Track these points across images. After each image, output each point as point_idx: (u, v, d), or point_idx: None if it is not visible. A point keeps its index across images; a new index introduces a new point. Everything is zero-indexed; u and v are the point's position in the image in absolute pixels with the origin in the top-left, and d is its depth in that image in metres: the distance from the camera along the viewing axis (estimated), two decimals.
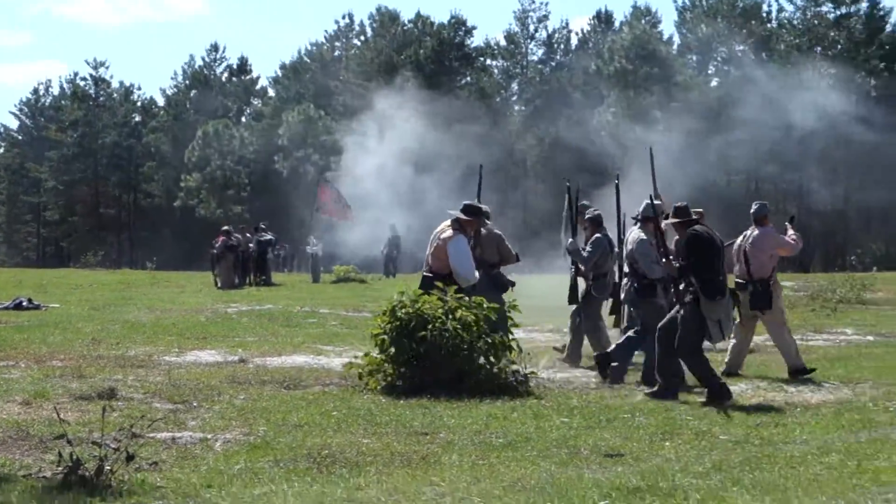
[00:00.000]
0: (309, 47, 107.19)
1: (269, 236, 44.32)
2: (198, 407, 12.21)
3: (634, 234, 15.27)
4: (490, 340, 13.63)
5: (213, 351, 18.08)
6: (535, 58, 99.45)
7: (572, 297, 17.49)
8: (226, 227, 43.41)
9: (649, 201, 15.15)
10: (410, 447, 9.98)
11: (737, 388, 13.98)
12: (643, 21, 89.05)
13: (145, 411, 11.26)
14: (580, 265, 17.02)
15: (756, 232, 16.29)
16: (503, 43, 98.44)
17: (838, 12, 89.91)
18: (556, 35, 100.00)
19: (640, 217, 15.28)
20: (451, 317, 13.48)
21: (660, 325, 13.58)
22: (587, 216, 17.32)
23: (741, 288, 15.94)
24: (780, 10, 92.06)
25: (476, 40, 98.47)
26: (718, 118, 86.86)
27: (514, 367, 13.81)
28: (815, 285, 33.59)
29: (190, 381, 14.10)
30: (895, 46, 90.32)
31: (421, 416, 11.61)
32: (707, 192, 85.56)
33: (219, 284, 38.68)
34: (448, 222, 15.05)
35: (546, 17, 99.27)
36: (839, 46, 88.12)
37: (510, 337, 13.92)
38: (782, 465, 9.04)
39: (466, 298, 13.91)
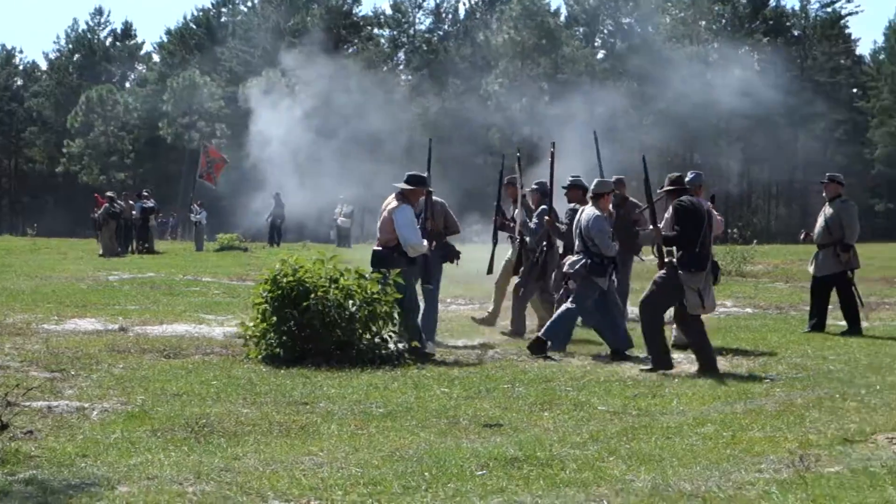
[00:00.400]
0: (196, 13, 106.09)
1: (151, 203, 43.91)
2: (75, 375, 12.06)
3: (588, 210, 15.14)
4: (372, 310, 13.61)
5: (92, 319, 17.83)
6: (422, 27, 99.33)
7: (490, 268, 17.82)
8: (109, 194, 42.89)
9: (601, 178, 15.67)
10: (290, 417, 9.93)
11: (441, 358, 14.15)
12: None
13: (21, 380, 11.06)
14: (527, 237, 17.02)
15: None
16: (390, 12, 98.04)
17: None
18: (445, 4, 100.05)
19: (592, 193, 15.28)
20: (333, 286, 13.45)
21: (641, 301, 13.64)
22: (533, 187, 17.27)
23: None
24: None
25: (364, 9, 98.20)
26: (605, 90, 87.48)
27: (396, 337, 13.81)
28: None
29: (68, 350, 13.91)
30: (778, 21, 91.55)
31: (301, 386, 11.57)
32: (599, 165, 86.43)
33: (101, 252, 38.23)
34: (394, 195, 14.94)
35: None
36: (724, 20, 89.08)
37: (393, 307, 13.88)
38: (659, 436, 9.12)
39: (350, 267, 13.90)
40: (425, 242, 14.81)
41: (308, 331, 13.29)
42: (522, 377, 12.40)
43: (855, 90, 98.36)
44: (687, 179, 15.65)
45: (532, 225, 16.82)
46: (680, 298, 13.24)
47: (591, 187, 15.41)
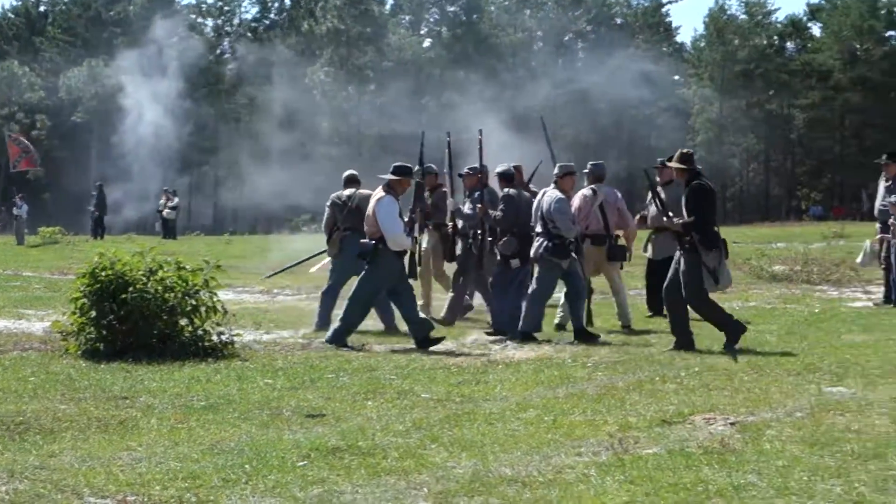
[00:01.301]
0: (14, 3, 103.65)
1: None
2: None
3: (550, 192, 15.29)
4: (194, 302, 13.44)
5: None
6: (248, 16, 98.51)
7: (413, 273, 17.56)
8: None
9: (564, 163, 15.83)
10: (108, 412, 9.74)
11: (442, 347, 14.16)
12: None
13: None
14: (466, 223, 16.91)
15: (605, 189, 16.93)
16: (213, 1, 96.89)
17: None
18: None
19: (556, 176, 15.47)
20: (152, 278, 13.24)
21: (665, 287, 14.11)
22: (468, 172, 17.13)
23: (599, 242, 16.64)
24: None
25: None
26: (430, 78, 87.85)
27: (220, 328, 13.65)
28: None
29: None
30: (600, 10, 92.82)
31: (122, 381, 11.36)
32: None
33: None
34: (381, 186, 14.82)
35: None
36: (548, 7, 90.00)
37: (216, 298, 13.72)
38: (481, 422, 9.14)
39: (170, 260, 13.72)
40: (408, 237, 14.75)
41: (128, 324, 13.06)
42: (347, 367, 12.35)
43: (677, 77, 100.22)
44: (592, 169, 15.95)
45: (468, 210, 16.61)
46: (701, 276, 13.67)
47: (555, 170, 15.61)
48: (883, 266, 19.48)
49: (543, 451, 8.14)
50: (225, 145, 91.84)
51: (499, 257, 15.90)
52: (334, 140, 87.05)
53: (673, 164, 14.43)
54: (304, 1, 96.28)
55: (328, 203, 17.02)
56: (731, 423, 9.00)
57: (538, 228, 15.29)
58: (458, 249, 17.24)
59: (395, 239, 14.39)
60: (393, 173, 14.76)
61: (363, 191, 16.72)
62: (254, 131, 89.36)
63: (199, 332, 13.46)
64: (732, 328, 13.86)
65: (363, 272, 14.73)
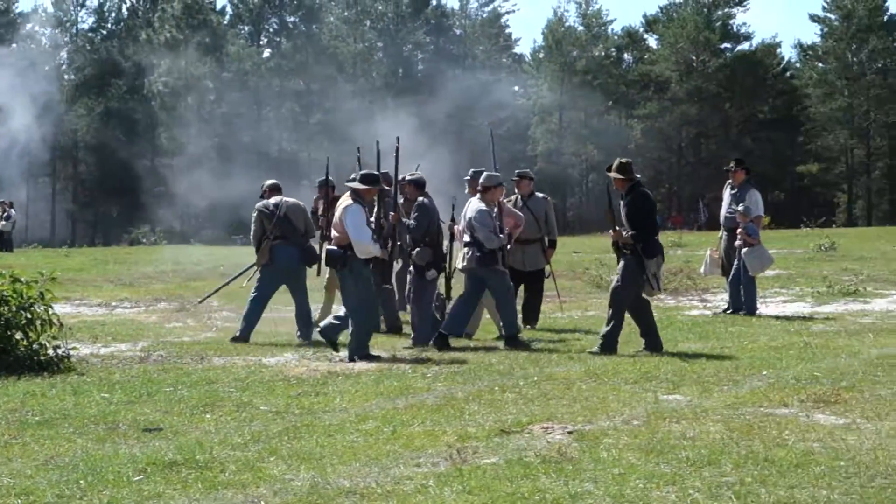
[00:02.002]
0: None
1: None
2: None
3: (474, 203, 15.34)
4: (30, 316, 13.18)
5: None
6: (85, 26, 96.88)
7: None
8: None
9: (491, 172, 16.01)
10: None
11: (282, 358, 14.10)
12: None
13: None
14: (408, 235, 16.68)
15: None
16: (51, 10, 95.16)
17: None
18: (108, 4, 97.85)
19: (482, 187, 15.50)
20: None
21: (613, 290, 14.60)
22: (408, 178, 16.62)
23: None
24: None
25: (23, 5, 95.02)
26: (269, 89, 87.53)
27: (56, 342, 13.41)
28: None
29: None
30: (439, 21, 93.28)
31: None
32: (263, 158, 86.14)
33: None
34: (347, 193, 14.66)
35: None
36: (387, 19, 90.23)
37: (51, 311, 13.47)
38: (320, 434, 9.10)
39: (4, 272, 13.44)
40: (376, 244, 14.56)
41: None
42: (186, 380, 12.20)
43: (516, 88, 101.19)
44: (483, 180, 15.93)
45: (411, 223, 16.24)
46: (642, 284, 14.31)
47: (481, 180, 15.59)
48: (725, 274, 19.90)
49: (382, 462, 8.13)
50: (63, 156, 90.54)
51: (412, 268, 15.93)
52: (174, 152, 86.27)
53: (612, 175, 14.70)
54: (141, 11, 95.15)
55: (254, 213, 16.78)
56: (569, 432, 9.09)
57: (466, 238, 15.45)
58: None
59: (363, 247, 14.29)
60: (360, 181, 14.64)
61: (289, 199, 16.85)
62: (92, 142, 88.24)
63: (35, 345, 13.19)
64: (609, 344, 14.30)
65: (342, 283, 14.60)
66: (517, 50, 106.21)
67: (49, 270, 14.15)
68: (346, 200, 14.59)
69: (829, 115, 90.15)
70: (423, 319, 15.71)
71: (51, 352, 13.25)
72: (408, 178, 16.49)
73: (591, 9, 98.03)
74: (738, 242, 19.16)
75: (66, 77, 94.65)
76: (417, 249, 15.67)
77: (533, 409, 10.13)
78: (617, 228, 14.51)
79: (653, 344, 14.47)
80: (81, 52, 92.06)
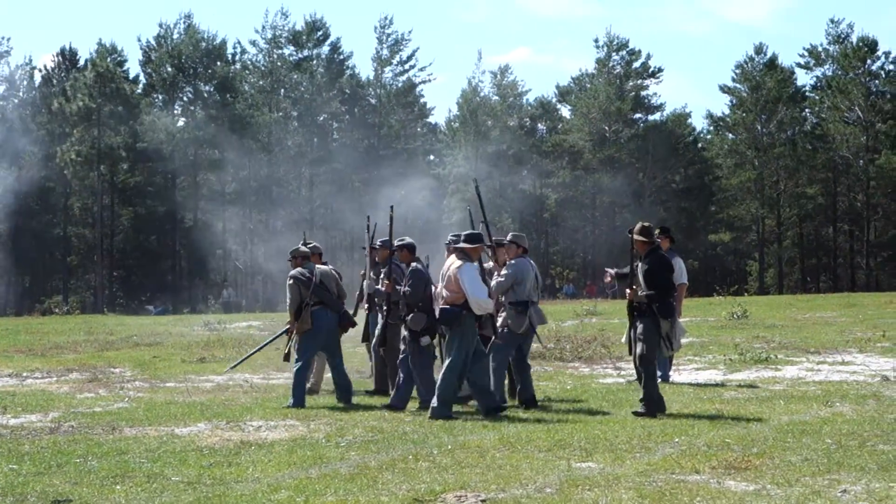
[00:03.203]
0: None
1: None
2: None
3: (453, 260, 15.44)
4: None
5: None
6: None
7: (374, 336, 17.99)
8: None
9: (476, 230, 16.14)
10: None
11: (194, 427, 13.99)
12: (108, 59, 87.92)
13: None
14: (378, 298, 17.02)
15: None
16: None
17: (300, 55, 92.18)
18: (20, 72, 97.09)
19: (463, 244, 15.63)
20: None
21: (640, 356, 15.06)
22: (398, 243, 16.82)
23: None
24: (244, 51, 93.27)
25: None
26: (186, 159, 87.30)
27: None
28: (280, 324, 34.12)
29: None
30: (354, 91, 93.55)
31: None
32: (178, 226, 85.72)
33: None
34: (454, 255, 15.25)
35: (8, 52, 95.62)
36: (302, 88, 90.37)
37: None
38: None
39: None
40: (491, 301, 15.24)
41: None
42: (96, 450, 12.07)
43: (432, 157, 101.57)
44: (406, 243, 16.06)
45: (406, 289, 16.18)
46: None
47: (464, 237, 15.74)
48: None
49: None
50: None
51: (407, 333, 16.03)
52: (88, 221, 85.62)
53: (636, 237, 15.22)
54: (55, 80, 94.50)
55: (290, 281, 17.09)
56: (482, 501, 9.10)
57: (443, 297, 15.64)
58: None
59: (481, 303, 14.96)
60: (466, 241, 15.28)
61: (321, 266, 17.59)
62: (2, 212, 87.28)
63: None
64: (654, 405, 14.79)
65: (449, 342, 15.16)
66: (432, 119, 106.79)
67: None
68: (454, 261, 15.19)
69: (740, 185, 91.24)
70: (424, 384, 15.91)
71: None
72: (397, 243, 16.84)
73: (505, 79, 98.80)
74: None
75: None
76: (412, 315, 15.85)
77: (446, 478, 10.13)
78: (633, 287, 15.04)
79: (658, 406, 14.94)
80: None
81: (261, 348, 19.74)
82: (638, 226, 15.48)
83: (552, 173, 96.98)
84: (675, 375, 19.86)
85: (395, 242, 16.91)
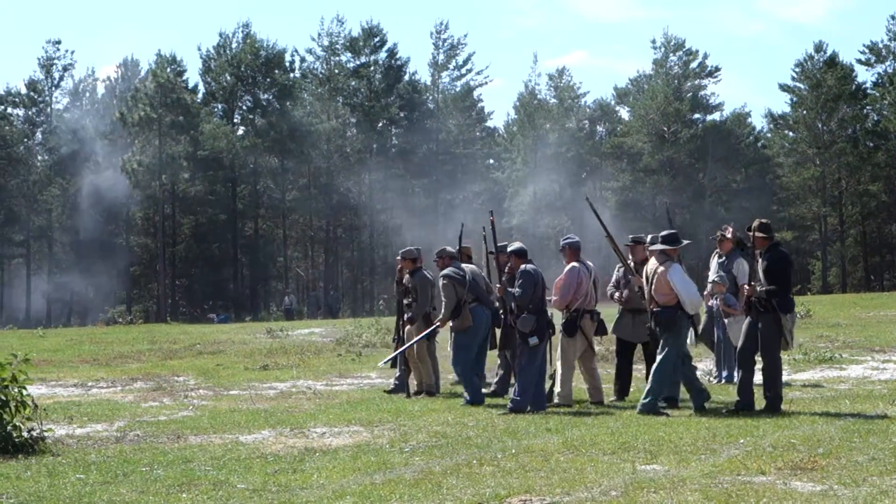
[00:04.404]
0: None
1: None
2: None
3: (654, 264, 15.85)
4: (3, 398, 13.09)
5: None
6: (60, 106, 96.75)
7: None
8: None
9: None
10: None
11: (259, 435, 14.03)
12: (168, 69, 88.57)
13: None
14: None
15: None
16: (24, 91, 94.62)
17: (357, 62, 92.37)
18: (83, 83, 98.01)
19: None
20: None
21: (740, 347, 15.43)
22: (511, 249, 16.95)
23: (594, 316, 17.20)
24: (303, 60, 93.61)
25: None
26: (246, 167, 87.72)
27: (31, 423, 13.32)
28: (342, 330, 34.25)
29: None
30: (411, 97, 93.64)
31: None
32: (238, 236, 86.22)
33: None
34: (654, 257, 15.63)
35: (72, 65, 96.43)
36: (360, 95, 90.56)
37: (25, 392, 13.39)
38: None
39: None
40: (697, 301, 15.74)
41: None
42: (162, 459, 12.13)
43: (491, 161, 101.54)
44: (516, 248, 16.27)
45: (517, 290, 16.40)
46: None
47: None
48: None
49: None
50: (37, 237, 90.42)
51: (517, 335, 16.26)
52: (150, 230, 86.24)
53: (756, 234, 15.29)
54: (118, 90, 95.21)
55: (443, 281, 17.45)
56: None
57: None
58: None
59: (694, 302, 15.44)
60: (666, 242, 15.63)
61: (468, 265, 18.23)
62: (67, 223, 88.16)
63: (9, 427, 13.09)
64: (776, 399, 15.03)
65: (664, 342, 15.45)
66: (490, 123, 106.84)
67: (23, 352, 14.07)
68: (655, 264, 15.54)
69: (802, 184, 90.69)
70: (525, 387, 16.03)
71: (25, 434, 13.14)
72: (510, 248, 16.98)
73: (562, 82, 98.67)
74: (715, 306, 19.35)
75: (39, 158, 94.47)
76: (522, 316, 16.08)
77: (511, 482, 10.11)
78: (752, 284, 15.15)
79: (746, 403, 15.16)
80: (56, 132, 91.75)
81: (411, 344, 19.71)
82: (756, 222, 15.53)
83: (611, 175, 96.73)
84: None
85: (511, 248, 17.02)
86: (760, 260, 15.25)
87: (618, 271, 17.80)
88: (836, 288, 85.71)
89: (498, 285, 17.01)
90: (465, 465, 11.19)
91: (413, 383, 18.93)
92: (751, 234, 15.39)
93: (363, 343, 30.56)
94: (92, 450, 13.11)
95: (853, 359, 22.91)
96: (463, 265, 17.91)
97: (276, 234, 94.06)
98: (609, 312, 17.79)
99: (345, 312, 76.20)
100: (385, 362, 19.70)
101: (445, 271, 17.51)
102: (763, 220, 15.60)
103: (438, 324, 17.93)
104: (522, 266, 16.46)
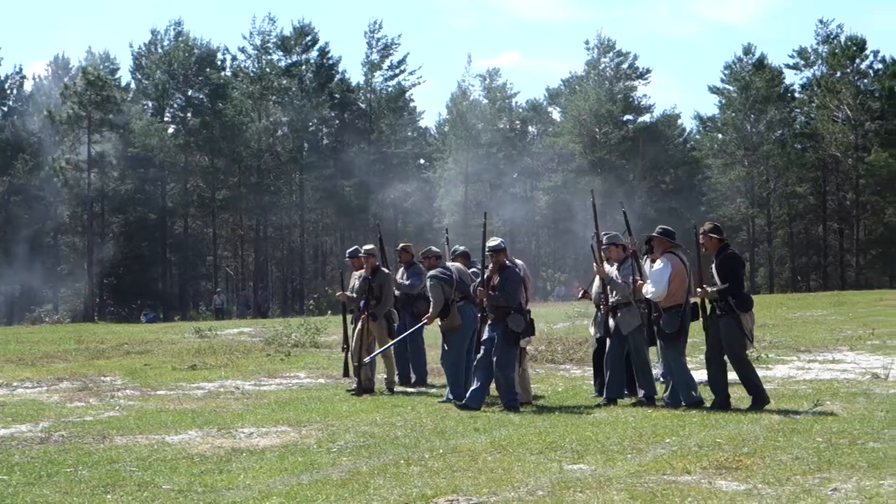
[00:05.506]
0: None
1: None
2: None
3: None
4: None
5: None
6: None
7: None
8: None
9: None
10: None
11: (185, 435, 13.94)
12: (100, 67, 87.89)
13: None
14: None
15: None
16: None
17: (289, 61, 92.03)
18: (9, 81, 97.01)
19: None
20: None
21: (705, 354, 15.75)
22: (492, 246, 16.68)
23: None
24: (234, 58, 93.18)
25: None
26: (177, 166, 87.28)
27: None
28: (272, 330, 34.11)
29: None
30: (344, 96, 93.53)
31: None
32: (168, 234, 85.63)
33: None
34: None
35: None
36: (291, 94, 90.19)
37: None
38: None
39: None
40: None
41: None
42: (87, 460, 12.02)
43: (422, 161, 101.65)
44: (498, 245, 16.20)
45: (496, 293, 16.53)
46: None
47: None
48: None
49: None
50: None
51: (494, 334, 16.29)
52: (78, 229, 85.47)
53: (709, 234, 15.66)
54: (46, 87, 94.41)
55: (430, 281, 17.49)
56: None
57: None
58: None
59: (651, 293, 15.93)
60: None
61: (454, 264, 18.13)
62: None
63: None
64: (760, 397, 15.27)
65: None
66: (422, 123, 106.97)
67: None
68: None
69: (730, 185, 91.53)
70: (508, 384, 16.18)
71: None
72: (491, 245, 16.76)
73: (494, 83, 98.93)
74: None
75: None
76: (511, 316, 16.19)
77: (438, 482, 10.11)
78: (703, 286, 15.39)
79: (722, 403, 15.49)
80: None
81: (396, 342, 19.65)
82: (708, 224, 15.93)
83: (543, 175, 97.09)
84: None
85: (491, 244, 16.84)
86: (714, 261, 15.52)
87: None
88: (763, 288, 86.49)
89: (479, 289, 16.91)
90: (392, 465, 11.19)
91: (377, 379, 19.29)
92: (703, 234, 15.66)
93: (292, 343, 30.44)
94: (16, 450, 12.97)
95: (779, 359, 23.13)
96: (452, 265, 17.99)
97: (205, 233, 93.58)
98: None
99: (274, 312, 75.93)
100: (370, 359, 19.55)
101: (433, 272, 17.60)
102: (716, 223, 15.96)
103: (426, 321, 17.98)
104: (508, 264, 16.57)
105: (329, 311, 43.97)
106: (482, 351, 16.40)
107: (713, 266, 15.44)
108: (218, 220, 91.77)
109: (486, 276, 16.67)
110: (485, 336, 16.44)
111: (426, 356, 21.19)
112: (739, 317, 15.16)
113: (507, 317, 16.15)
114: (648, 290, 15.73)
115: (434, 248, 18.42)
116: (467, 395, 16.36)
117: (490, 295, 16.36)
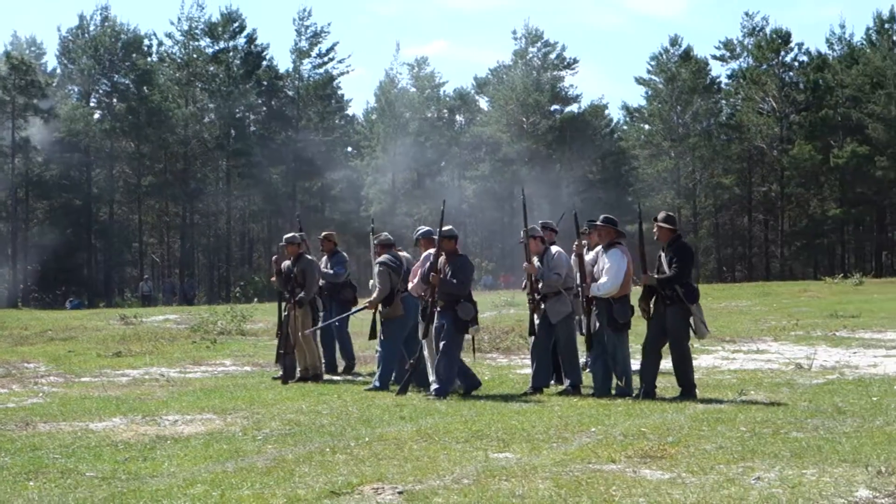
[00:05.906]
0: None
1: None
2: None
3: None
4: None
5: None
6: None
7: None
8: None
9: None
10: None
11: (110, 422, 13.84)
12: (26, 51, 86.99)
13: None
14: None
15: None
16: None
17: (216, 47, 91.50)
18: None
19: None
20: None
21: (645, 340, 15.65)
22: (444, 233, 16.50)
23: None
24: (160, 44, 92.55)
25: None
26: (102, 151, 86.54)
27: None
28: (198, 317, 33.93)
29: None
30: (272, 83, 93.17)
31: None
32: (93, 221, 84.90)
33: None
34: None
35: None
36: (218, 80, 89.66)
37: None
38: (147, 500, 8.95)
39: None
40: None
41: None
42: (9, 447, 11.89)
43: (350, 149, 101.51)
44: (449, 231, 16.15)
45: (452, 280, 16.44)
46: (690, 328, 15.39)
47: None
48: None
49: None
50: None
51: (452, 322, 16.16)
52: (1, 214, 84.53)
53: (661, 224, 15.50)
54: None
55: (379, 268, 17.52)
56: (399, 492, 9.08)
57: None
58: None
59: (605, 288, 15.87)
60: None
61: (403, 253, 18.34)
62: None
63: None
64: (689, 392, 15.35)
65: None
66: (350, 111, 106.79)
67: None
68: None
69: (656, 176, 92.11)
70: (450, 373, 16.20)
71: None
72: (443, 231, 16.55)
73: (422, 71, 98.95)
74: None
75: None
76: (461, 305, 16.08)
77: (364, 470, 10.10)
78: (646, 272, 15.37)
79: (649, 392, 15.56)
80: None
81: (335, 321, 19.65)
82: (662, 214, 15.87)
83: (470, 164, 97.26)
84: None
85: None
86: (665, 251, 15.47)
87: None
88: None
89: (433, 275, 16.65)
90: (317, 453, 11.17)
91: (298, 369, 19.13)
92: (658, 224, 15.61)
93: (218, 330, 30.29)
94: None
95: (703, 349, 23.28)
96: (403, 254, 18.13)
97: (131, 220, 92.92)
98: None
99: (201, 299, 75.53)
100: (311, 331, 19.43)
101: (381, 258, 17.66)
102: (669, 213, 16.00)
103: (367, 305, 17.88)
104: (460, 252, 16.67)
105: (255, 299, 43.85)
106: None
107: (662, 255, 15.44)
108: (144, 207, 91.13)
109: (436, 262, 16.55)
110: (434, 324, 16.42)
111: (353, 344, 21.21)
112: (688, 307, 15.22)
113: (456, 305, 16.14)
114: (604, 285, 15.67)
115: (386, 235, 18.44)
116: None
117: (443, 281, 16.29)
